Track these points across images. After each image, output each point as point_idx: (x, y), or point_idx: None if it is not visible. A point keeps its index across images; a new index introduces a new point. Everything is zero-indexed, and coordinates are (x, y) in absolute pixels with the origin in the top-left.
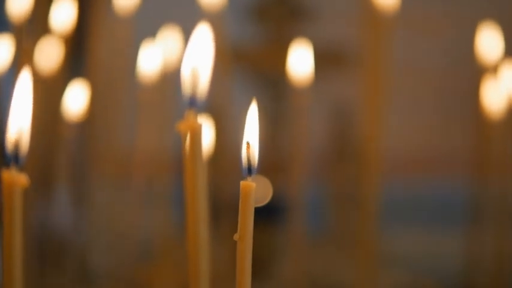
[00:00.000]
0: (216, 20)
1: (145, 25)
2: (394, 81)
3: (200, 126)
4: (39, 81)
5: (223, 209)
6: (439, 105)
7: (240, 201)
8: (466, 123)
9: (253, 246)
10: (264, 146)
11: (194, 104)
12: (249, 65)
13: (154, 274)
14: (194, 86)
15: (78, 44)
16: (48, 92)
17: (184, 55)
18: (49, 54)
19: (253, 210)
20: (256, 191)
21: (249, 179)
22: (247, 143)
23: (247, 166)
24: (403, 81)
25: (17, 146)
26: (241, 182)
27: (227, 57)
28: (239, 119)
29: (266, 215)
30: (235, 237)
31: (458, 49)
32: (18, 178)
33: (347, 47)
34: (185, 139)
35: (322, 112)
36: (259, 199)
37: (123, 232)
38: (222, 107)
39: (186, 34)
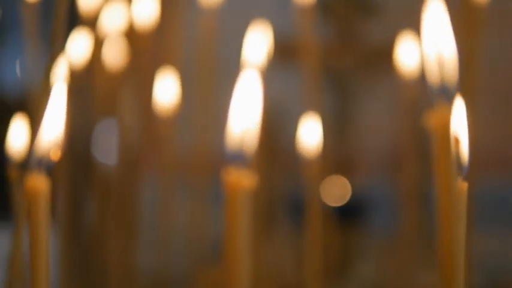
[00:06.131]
0: (306, 14)
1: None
2: (480, 78)
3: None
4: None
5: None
6: None
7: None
8: None
9: (330, 247)
10: (339, 145)
11: (446, 93)
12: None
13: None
14: (442, 72)
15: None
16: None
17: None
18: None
19: (465, 214)
20: (332, 190)
21: (460, 179)
22: (456, 139)
23: (457, 164)
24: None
25: (241, 145)
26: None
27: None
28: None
29: (344, 215)
30: None
31: None
32: (244, 178)
33: None
34: (434, 134)
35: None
36: (337, 199)
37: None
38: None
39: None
